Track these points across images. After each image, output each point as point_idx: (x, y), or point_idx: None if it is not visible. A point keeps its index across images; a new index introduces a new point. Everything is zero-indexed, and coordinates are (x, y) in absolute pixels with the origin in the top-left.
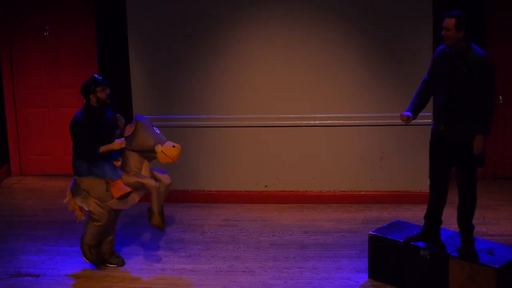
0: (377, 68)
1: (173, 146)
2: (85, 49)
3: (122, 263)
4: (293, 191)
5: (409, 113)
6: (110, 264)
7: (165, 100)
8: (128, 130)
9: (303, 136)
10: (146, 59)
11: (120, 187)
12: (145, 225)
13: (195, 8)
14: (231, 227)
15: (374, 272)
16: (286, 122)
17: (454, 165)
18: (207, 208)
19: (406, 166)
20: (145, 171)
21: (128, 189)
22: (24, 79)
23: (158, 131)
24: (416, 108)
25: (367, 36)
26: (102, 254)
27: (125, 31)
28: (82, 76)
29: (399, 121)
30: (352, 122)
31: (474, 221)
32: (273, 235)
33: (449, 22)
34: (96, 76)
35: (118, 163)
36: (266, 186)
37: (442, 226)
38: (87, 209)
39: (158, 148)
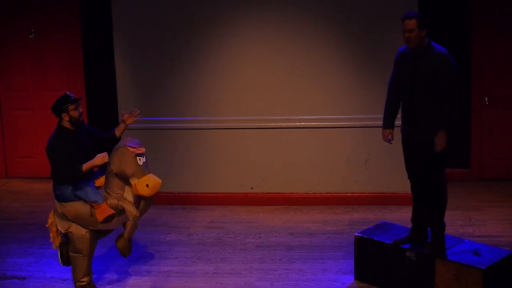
0: (363, 69)
1: (147, 185)
2: (71, 51)
3: None
4: (279, 193)
5: (388, 129)
6: None
7: (150, 102)
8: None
9: (289, 138)
10: (131, 62)
11: (104, 210)
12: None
13: (180, 10)
14: (217, 229)
15: (360, 274)
16: (272, 124)
17: (423, 164)
18: (193, 210)
19: (392, 167)
20: (128, 194)
21: (112, 211)
22: (9, 82)
23: (143, 160)
24: (392, 120)
25: (353, 38)
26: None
27: (110, 34)
28: (68, 79)
29: None
30: (338, 123)
31: (460, 222)
32: (259, 237)
33: (411, 23)
34: (68, 93)
35: (101, 181)
36: (252, 188)
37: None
38: (69, 234)
39: (133, 181)
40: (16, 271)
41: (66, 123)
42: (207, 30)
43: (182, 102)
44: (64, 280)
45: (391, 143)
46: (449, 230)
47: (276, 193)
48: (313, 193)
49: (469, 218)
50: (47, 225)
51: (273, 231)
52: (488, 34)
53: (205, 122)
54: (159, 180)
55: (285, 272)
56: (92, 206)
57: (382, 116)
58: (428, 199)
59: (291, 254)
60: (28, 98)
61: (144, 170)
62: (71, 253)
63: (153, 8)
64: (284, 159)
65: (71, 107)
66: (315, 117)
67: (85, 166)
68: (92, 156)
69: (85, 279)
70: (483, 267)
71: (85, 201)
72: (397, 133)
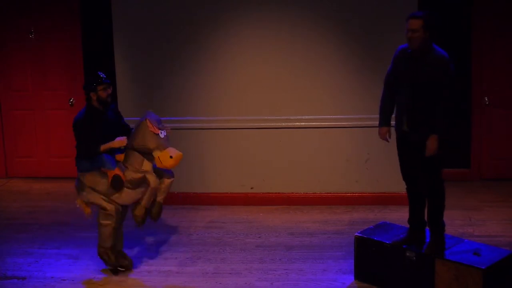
0: (363, 69)
1: (171, 157)
2: (71, 51)
3: (131, 264)
4: (279, 193)
5: (385, 127)
6: (119, 267)
7: (150, 102)
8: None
9: (289, 138)
10: (131, 62)
11: (112, 173)
12: (131, 227)
13: (181, 10)
14: (217, 229)
15: (360, 274)
16: (272, 124)
17: (419, 165)
18: (193, 210)
19: (392, 167)
20: (146, 167)
21: (120, 173)
22: (9, 82)
23: (163, 134)
24: (388, 117)
25: (354, 38)
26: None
27: (110, 33)
28: (68, 78)
29: None
30: (338, 123)
31: (460, 222)
32: (259, 237)
33: (416, 23)
34: (99, 73)
35: (121, 156)
36: (252, 188)
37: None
38: (94, 204)
39: (156, 154)
40: (16, 271)
41: (95, 102)
42: (207, 30)
43: (182, 102)
44: (64, 280)
45: (388, 141)
46: (448, 230)
47: (276, 193)
48: (313, 193)
49: (469, 218)
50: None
51: (273, 231)
52: (488, 34)
53: (205, 122)
54: (180, 153)
55: (285, 272)
56: (106, 173)
57: None
58: (424, 199)
59: (291, 254)
60: (28, 98)
61: (166, 143)
62: (99, 220)
63: (153, 8)
64: (284, 159)
65: (100, 87)
66: (315, 117)
67: (104, 146)
68: (114, 138)
69: (109, 243)
70: (483, 267)
71: (99, 168)
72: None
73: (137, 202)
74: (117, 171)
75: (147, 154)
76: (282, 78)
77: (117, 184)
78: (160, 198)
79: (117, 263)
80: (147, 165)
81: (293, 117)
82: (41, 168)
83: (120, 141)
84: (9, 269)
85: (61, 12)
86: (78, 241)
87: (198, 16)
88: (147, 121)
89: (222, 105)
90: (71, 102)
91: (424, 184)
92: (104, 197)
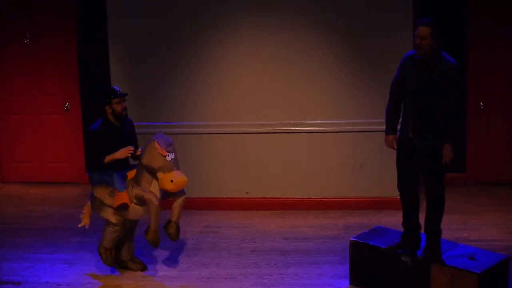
0: (358, 74)
1: (171, 181)
2: (66, 56)
3: (143, 268)
4: (274, 198)
5: (392, 135)
6: (130, 269)
7: (145, 106)
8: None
9: (284, 142)
10: (127, 67)
11: (121, 198)
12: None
13: (177, 16)
14: (212, 233)
15: (355, 278)
16: (267, 129)
17: (423, 172)
18: (188, 215)
19: (387, 172)
20: (154, 188)
21: (126, 201)
22: (5, 86)
23: (171, 157)
24: (395, 124)
25: (348, 42)
26: (122, 260)
27: (106, 38)
28: (64, 83)
29: (380, 127)
30: (334, 128)
31: (455, 227)
32: (254, 242)
33: (425, 30)
34: (114, 87)
35: (133, 173)
36: (247, 193)
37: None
38: (102, 216)
39: (160, 175)
40: (11, 276)
41: (110, 116)
42: (202, 35)
43: (178, 107)
44: (59, 285)
45: (395, 149)
46: (444, 234)
47: (271, 197)
48: (308, 198)
49: (465, 222)
50: (83, 212)
51: (268, 236)
52: (485, 39)
53: (201, 127)
54: (185, 178)
55: (280, 276)
56: (114, 192)
57: (378, 120)
58: (418, 202)
59: (286, 259)
60: (23, 103)
61: (172, 166)
62: (106, 226)
63: (149, 14)
64: (280, 163)
65: (114, 100)
66: (310, 121)
67: (108, 158)
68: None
69: (110, 245)
70: (478, 271)
71: (110, 187)
72: None
73: (147, 227)
74: (124, 194)
75: (154, 174)
76: (278, 82)
77: (122, 209)
78: (173, 218)
79: (113, 263)
80: (155, 185)
81: (288, 121)
82: (37, 173)
83: (124, 151)
84: (5, 274)
85: (57, 17)
86: (73, 246)
87: (195, 21)
88: (155, 142)
89: (218, 110)
90: (67, 107)
91: (428, 192)
92: (112, 210)
